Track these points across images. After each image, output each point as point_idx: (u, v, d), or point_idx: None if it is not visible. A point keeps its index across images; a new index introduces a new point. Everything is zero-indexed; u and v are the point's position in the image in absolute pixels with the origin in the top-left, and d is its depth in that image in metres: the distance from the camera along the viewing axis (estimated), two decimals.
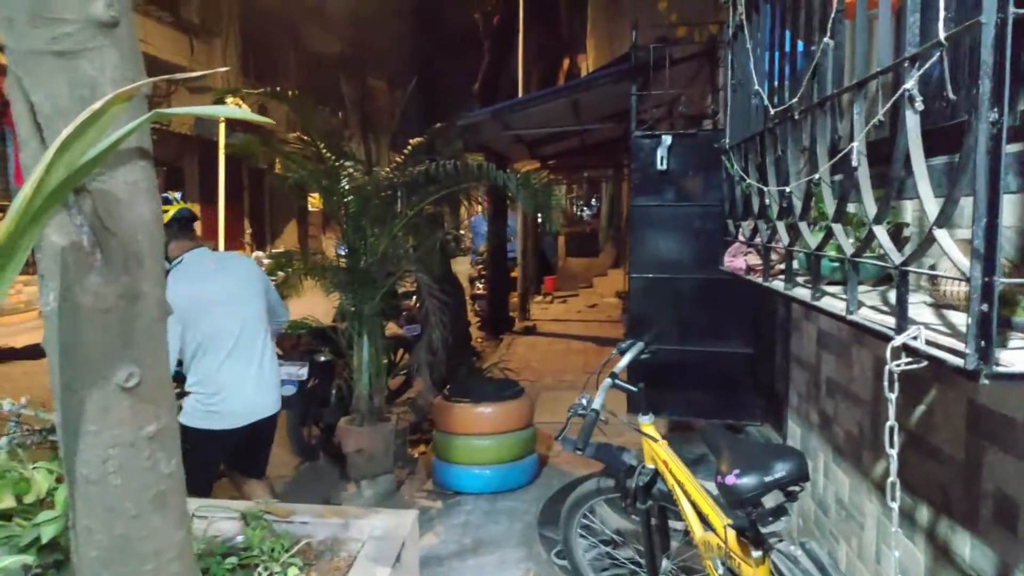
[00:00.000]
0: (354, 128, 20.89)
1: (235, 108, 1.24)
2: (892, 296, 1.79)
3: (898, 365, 1.18)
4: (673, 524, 2.79)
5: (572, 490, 4.48)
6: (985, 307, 0.95)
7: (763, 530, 1.93)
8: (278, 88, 4.62)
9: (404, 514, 2.92)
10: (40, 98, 1.28)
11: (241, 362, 3.29)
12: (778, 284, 2.02)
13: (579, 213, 25.91)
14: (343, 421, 4.81)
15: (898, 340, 1.17)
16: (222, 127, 15.37)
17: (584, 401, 2.45)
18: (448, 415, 4.83)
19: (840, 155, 1.43)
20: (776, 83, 2.10)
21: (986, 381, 0.96)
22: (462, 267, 11.60)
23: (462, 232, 20.21)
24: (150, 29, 14.63)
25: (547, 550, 3.86)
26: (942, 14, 1.04)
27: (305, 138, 4.66)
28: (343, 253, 4.85)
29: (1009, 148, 1.58)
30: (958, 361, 1.01)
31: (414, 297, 6.59)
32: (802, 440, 3.10)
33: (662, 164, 3.64)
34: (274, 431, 3.64)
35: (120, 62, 1.33)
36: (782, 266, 2.22)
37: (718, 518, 2.21)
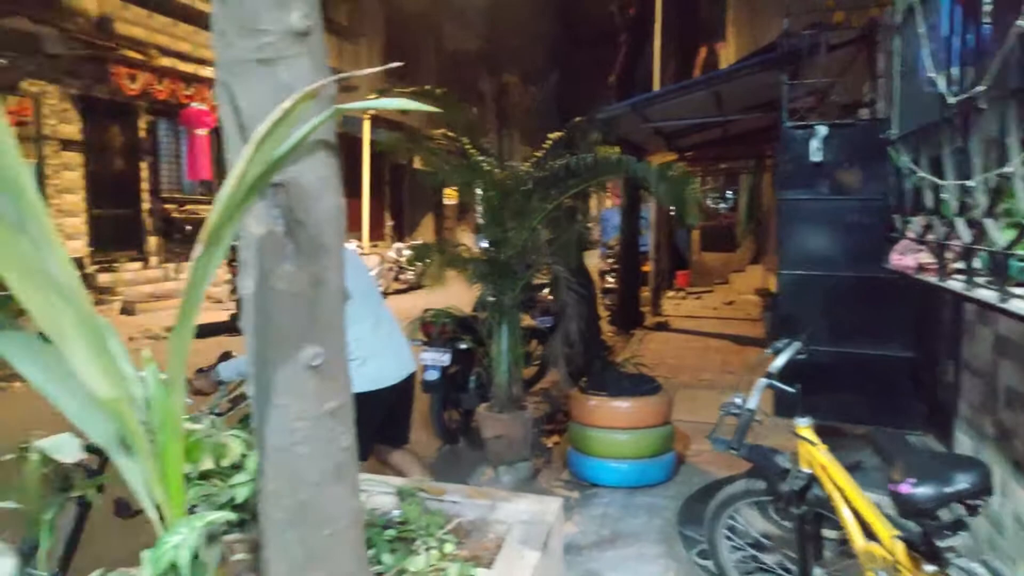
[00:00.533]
0: (490, 123, 21.36)
1: (407, 101, 1.33)
2: None
3: None
4: (826, 532, 2.69)
5: (713, 490, 4.40)
6: None
7: (939, 544, 1.82)
8: (424, 87, 4.82)
9: (549, 500, 2.99)
10: (245, 103, 1.43)
11: (385, 325, 3.64)
12: (955, 284, 1.90)
13: (715, 206, 25.12)
14: (482, 407, 4.97)
15: None
16: (367, 124, 16.20)
17: (739, 400, 2.41)
18: (585, 407, 4.86)
19: None
20: (954, 70, 1.96)
21: None
22: (591, 260, 11.60)
23: (590, 225, 20.17)
24: None
25: (687, 549, 3.82)
26: None
27: (450, 134, 4.83)
28: (484, 245, 5.00)
29: None
30: None
31: (546, 289, 6.68)
32: (973, 452, 2.88)
33: (816, 156, 3.47)
34: (414, 393, 3.87)
35: (311, 68, 1.47)
36: (957, 265, 2.08)
37: (884, 528, 2.10)
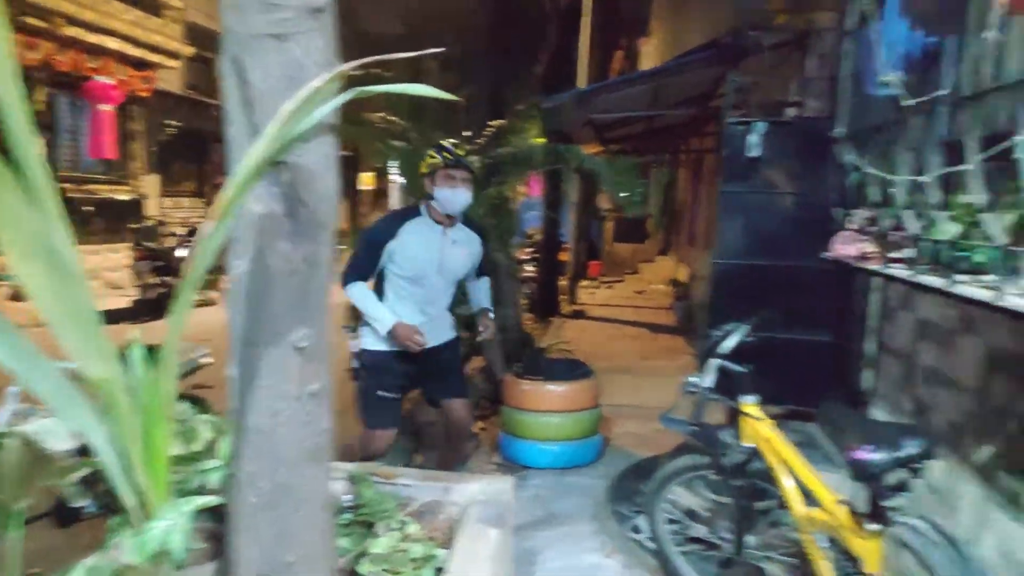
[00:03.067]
0: (404, 109, 21.04)
1: (427, 87, 1.35)
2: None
3: None
4: (758, 504, 2.87)
5: (642, 469, 4.59)
6: None
7: (882, 503, 1.99)
8: (368, 71, 4.72)
9: (501, 480, 3.04)
10: (256, 77, 1.40)
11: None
12: (900, 271, 2.07)
13: None
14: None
15: None
16: None
17: (696, 380, 2.53)
18: (519, 392, 4.94)
19: (1001, 147, 1.47)
20: (905, 75, 2.12)
21: None
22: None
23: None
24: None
25: (619, 524, 3.96)
26: None
27: (392, 118, 4.78)
28: None
29: None
30: None
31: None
32: None
33: (754, 151, 3.66)
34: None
35: (323, 45, 1.45)
36: (896, 255, 2.26)
37: (827, 494, 2.28)
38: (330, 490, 1.97)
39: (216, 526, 1.98)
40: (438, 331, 3.61)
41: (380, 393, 3.58)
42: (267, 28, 1.37)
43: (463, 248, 3.52)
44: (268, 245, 1.53)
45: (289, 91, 1.30)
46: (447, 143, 3.37)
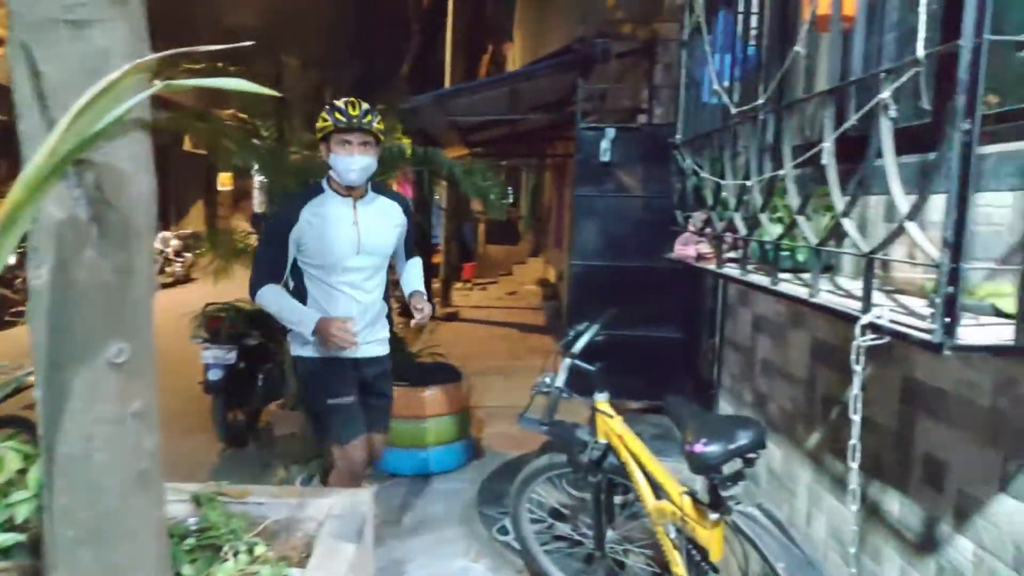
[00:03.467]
0: (268, 107, 20.18)
1: (244, 81, 1.26)
2: (841, 282, 1.98)
3: (864, 340, 1.34)
4: (616, 499, 2.96)
5: (509, 469, 4.62)
6: (951, 289, 1.11)
7: (723, 494, 2.10)
8: (199, 64, 4.48)
9: (359, 493, 2.95)
10: (49, 68, 1.26)
11: None
12: (732, 270, 2.19)
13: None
14: (274, 405, 4.76)
15: (866, 318, 1.33)
16: None
17: (548, 380, 2.56)
18: None
19: (809, 153, 1.59)
20: (732, 84, 2.25)
21: (949, 353, 1.13)
22: None
23: None
24: None
25: (487, 527, 3.97)
26: (922, 35, 1.19)
27: (241, 116, 4.54)
28: None
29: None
30: (926, 336, 1.17)
31: None
32: None
33: (605, 156, 3.78)
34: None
35: (129, 36, 1.33)
36: (731, 254, 2.40)
37: (674, 486, 2.37)
38: (163, 517, 1.83)
39: (36, 562, 1.79)
40: (374, 329, 3.11)
41: (332, 401, 3.02)
42: (62, 13, 1.24)
43: (382, 220, 3.04)
44: (72, 254, 1.39)
45: (91, 84, 1.18)
46: (340, 102, 2.86)
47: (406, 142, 5.27)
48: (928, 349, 1.16)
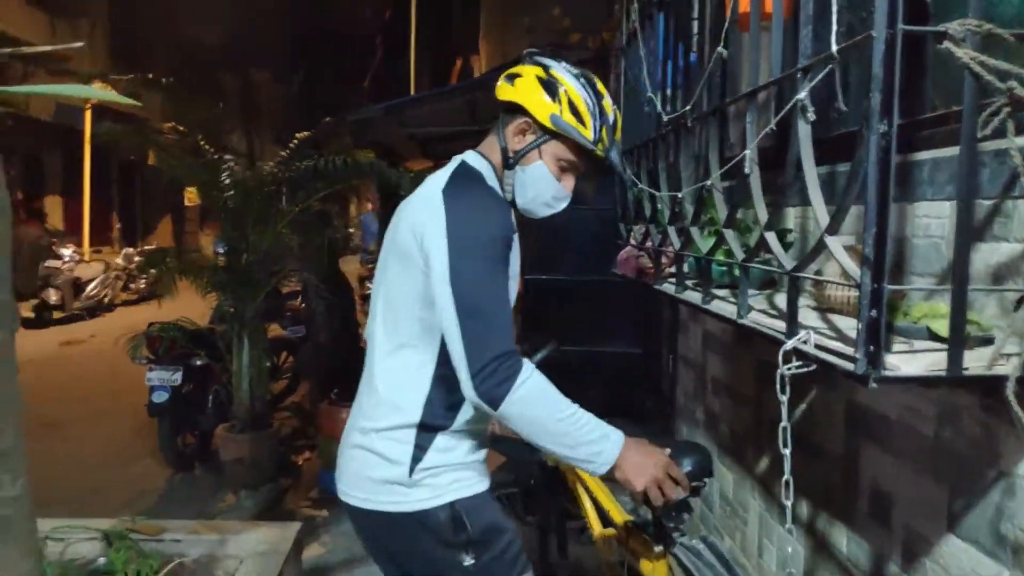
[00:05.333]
0: (235, 121, 19.96)
1: (96, 90, 1.10)
2: (779, 300, 1.86)
3: (789, 369, 1.21)
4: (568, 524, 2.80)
5: None
6: (874, 313, 0.98)
7: (667, 524, 1.95)
8: (149, 76, 4.32)
9: (286, 527, 2.77)
10: None
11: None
12: (669, 287, 2.06)
13: None
14: (221, 428, 4.55)
15: (789, 344, 1.20)
16: (88, 115, 14.27)
17: None
18: (336, 420, 4.64)
19: (732, 162, 1.46)
20: (669, 91, 2.14)
21: (875, 385, 0.99)
22: (351, 266, 11.26)
23: (351, 230, 19.71)
24: (3, 3, 13.35)
25: None
26: (835, 28, 1.06)
27: (180, 129, 4.36)
28: (222, 251, 4.58)
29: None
30: (848, 366, 1.04)
31: (299, 297, 6.33)
32: (688, 437, 3.19)
33: None
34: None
35: None
36: (673, 269, 2.27)
37: (620, 515, 2.23)
38: (35, 569, 1.63)
39: None
40: None
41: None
42: None
43: None
44: None
45: None
46: (608, 100, 1.61)
47: (369, 155, 5.12)
48: (853, 379, 1.02)
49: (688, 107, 1.73)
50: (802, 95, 1.16)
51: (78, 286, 12.04)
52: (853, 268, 1.04)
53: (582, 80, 1.59)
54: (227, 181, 4.27)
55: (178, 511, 4.57)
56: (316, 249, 4.85)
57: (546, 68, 1.60)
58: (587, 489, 2.47)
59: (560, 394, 1.51)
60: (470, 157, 1.67)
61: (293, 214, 4.29)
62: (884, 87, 0.94)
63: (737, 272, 1.95)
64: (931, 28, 0.95)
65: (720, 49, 1.53)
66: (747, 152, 1.37)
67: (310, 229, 4.77)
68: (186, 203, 18.73)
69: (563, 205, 1.69)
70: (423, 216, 1.54)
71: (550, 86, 1.57)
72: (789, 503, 1.33)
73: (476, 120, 6.14)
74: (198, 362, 4.87)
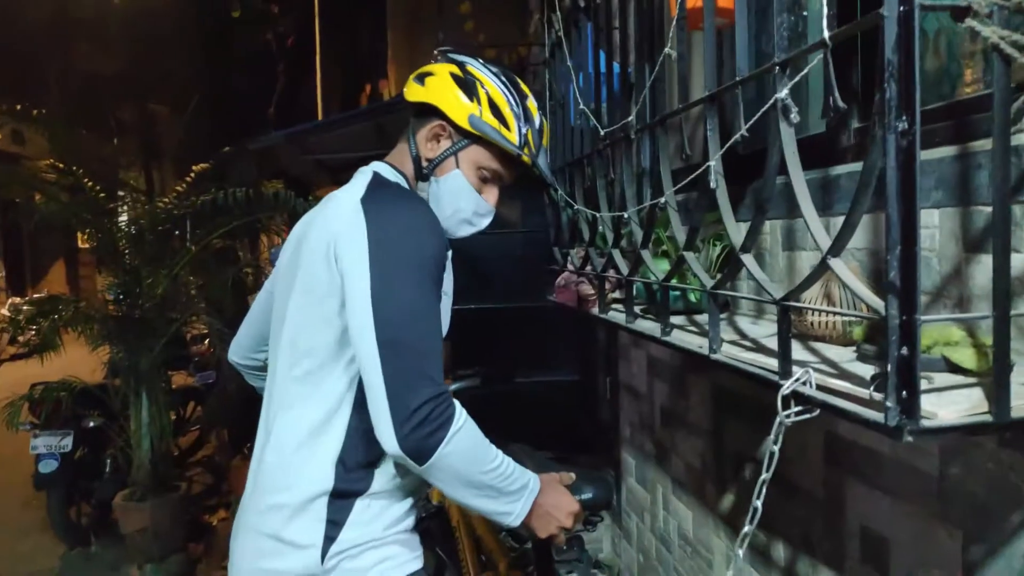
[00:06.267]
0: (132, 156, 18.88)
1: None
2: (743, 324, 1.69)
3: (788, 416, 1.02)
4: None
5: None
6: (905, 350, 0.79)
7: (557, 559, 1.76)
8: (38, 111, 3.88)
9: None
10: None
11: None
12: (617, 316, 1.86)
13: None
14: (120, 497, 4.08)
15: (787, 387, 1.01)
16: None
17: None
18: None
19: (694, 175, 1.28)
20: (603, 103, 1.96)
21: (910, 439, 0.81)
22: None
23: (262, 265, 18.90)
24: None
25: None
26: (825, 11, 0.89)
27: (59, 165, 3.93)
28: (112, 298, 4.15)
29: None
30: (874, 415, 0.85)
31: (207, 341, 5.87)
32: (637, 471, 3.01)
33: None
34: None
35: None
36: (617, 294, 2.08)
37: (503, 556, 2.05)
38: None
39: None
40: None
41: None
42: None
43: None
44: None
45: None
46: (532, 100, 1.45)
47: (277, 186, 4.78)
48: (882, 433, 0.84)
49: (631, 118, 1.55)
50: (782, 94, 0.99)
51: None
52: (872, 298, 0.86)
53: (502, 78, 1.41)
54: (117, 220, 3.86)
55: None
56: (221, 288, 4.47)
57: (461, 65, 1.40)
58: (472, 530, 2.31)
59: (487, 441, 1.28)
60: (381, 168, 1.44)
61: (192, 254, 3.91)
62: (902, 75, 0.77)
63: (692, 297, 1.78)
64: (951, 3, 0.79)
65: (668, 50, 1.36)
66: (712, 163, 1.19)
67: (213, 269, 4.39)
68: (80, 245, 17.55)
69: (486, 222, 1.47)
70: (336, 230, 1.27)
71: (467, 84, 1.37)
72: (741, 551, 1.13)
73: (384, 144, 5.86)
74: (91, 423, 4.38)
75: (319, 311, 1.29)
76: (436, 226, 1.33)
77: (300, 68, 9.69)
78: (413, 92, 1.41)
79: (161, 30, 15.38)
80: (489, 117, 1.35)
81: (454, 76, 1.37)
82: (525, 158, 1.39)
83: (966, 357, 0.94)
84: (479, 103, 1.35)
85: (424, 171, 1.40)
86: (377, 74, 13.02)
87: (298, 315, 1.34)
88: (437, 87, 1.37)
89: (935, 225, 1.22)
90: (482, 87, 1.36)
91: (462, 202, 1.40)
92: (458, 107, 1.35)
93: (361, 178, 1.40)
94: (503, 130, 1.35)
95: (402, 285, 1.21)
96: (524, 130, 1.38)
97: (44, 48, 16.65)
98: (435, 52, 1.50)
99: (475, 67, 1.40)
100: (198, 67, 11.23)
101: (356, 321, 1.22)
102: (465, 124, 1.35)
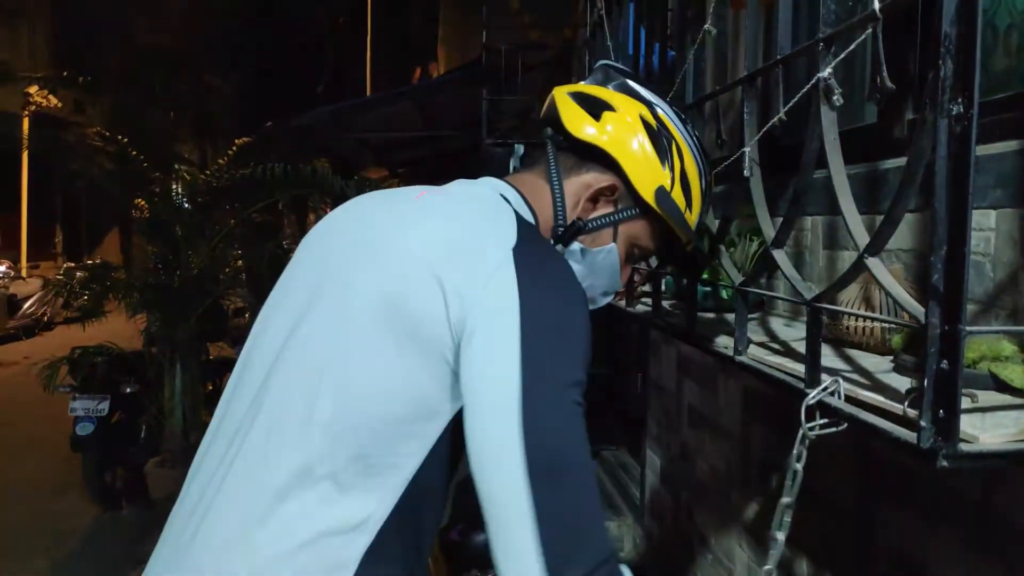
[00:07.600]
0: (188, 129, 19.32)
1: None
2: (774, 325, 1.60)
3: (812, 429, 0.93)
4: None
5: None
6: (945, 364, 0.70)
7: None
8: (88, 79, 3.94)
9: None
10: None
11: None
12: (644, 310, 1.78)
13: None
14: (152, 463, 4.16)
15: (812, 397, 0.92)
16: (26, 122, 13.60)
17: None
18: None
19: (727, 162, 1.19)
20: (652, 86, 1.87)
21: (945, 464, 0.72)
22: None
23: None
24: None
25: None
26: None
27: (106, 134, 3.99)
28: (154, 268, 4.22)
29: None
30: (906, 435, 0.76)
31: (247, 314, 5.94)
32: (662, 471, 2.92)
33: None
34: None
35: None
36: (647, 288, 2.00)
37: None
38: None
39: None
40: None
41: None
42: None
43: None
44: None
45: None
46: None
47: (321, 163, 4.79)
48: (913, 456, 0.75)
49: (667, 99, 1.46)
50: (825, 72, 0.89)
51: (13, 304, 11.41)
52: (911, 303, 0.76)
53: (695, 137, 1.05)
54: (159, 190, 3.91)
55: (104, 554, 4.17)
56: (259, 262, 4.50)
57: (651, 107, 1.02)
58: None
59: None
60: (514, 199, 0.99)
61: (230, 228, 3.94)
62: (960, 51, 0.67)
63: (724, 294, 1.68)
64: None
65: (708, 27, 1.26)
66: (746, 150, 1.10)
67: (252, 243, 4.42)
68: (135, 215, 18.03)
69: (606, 302, 1.08)
70: (467, 276, 0.83)
71: (660, 141, 1.00)
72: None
73: (431, 126, 5.85)
74: (128, 389, 4.47)
75: (394, 369, 0.83)
76: (587, 311, 0.91)
77: (350, 48, 9.72)
78: (580, 124, 1.00)
79: (217, 6, 15.65)
80: (678, 193, 1.00)
81: (646, 124, 0.99)
82: (693, 246, 1.07)
83: (1017, 375, 0.84)
84: (672, 171, 1.00)
85: (568, 230, 1.00)
86: (428, 57, 13.03)
87: (349, 358, 0.85)
88: (622, 135, 0.99)
89: (991, 227, 1.11)
90: (676, 149, 1.00)
91: (603, 279, 1.04)
92: (648, 173, 0.98)
93: (492, 206, 0.94)
94: (686, 212, 1.02)
95: (563, 394, 0.81)
96: (705, 208, 1.07)
97: (103, 21, 17.09)
98: (596, 65, 1.11)
99: (666, 114, 1.03)
100: (251, 44, 11.36)
101: (489, 431, 0.80)
102: (650, 197, 0.99)
